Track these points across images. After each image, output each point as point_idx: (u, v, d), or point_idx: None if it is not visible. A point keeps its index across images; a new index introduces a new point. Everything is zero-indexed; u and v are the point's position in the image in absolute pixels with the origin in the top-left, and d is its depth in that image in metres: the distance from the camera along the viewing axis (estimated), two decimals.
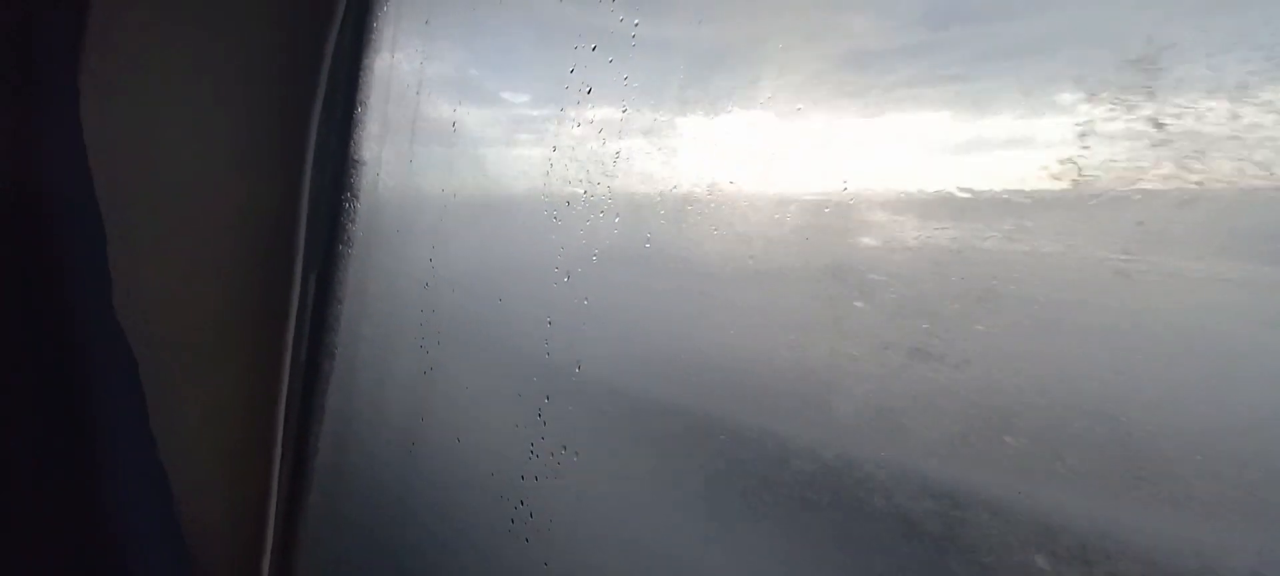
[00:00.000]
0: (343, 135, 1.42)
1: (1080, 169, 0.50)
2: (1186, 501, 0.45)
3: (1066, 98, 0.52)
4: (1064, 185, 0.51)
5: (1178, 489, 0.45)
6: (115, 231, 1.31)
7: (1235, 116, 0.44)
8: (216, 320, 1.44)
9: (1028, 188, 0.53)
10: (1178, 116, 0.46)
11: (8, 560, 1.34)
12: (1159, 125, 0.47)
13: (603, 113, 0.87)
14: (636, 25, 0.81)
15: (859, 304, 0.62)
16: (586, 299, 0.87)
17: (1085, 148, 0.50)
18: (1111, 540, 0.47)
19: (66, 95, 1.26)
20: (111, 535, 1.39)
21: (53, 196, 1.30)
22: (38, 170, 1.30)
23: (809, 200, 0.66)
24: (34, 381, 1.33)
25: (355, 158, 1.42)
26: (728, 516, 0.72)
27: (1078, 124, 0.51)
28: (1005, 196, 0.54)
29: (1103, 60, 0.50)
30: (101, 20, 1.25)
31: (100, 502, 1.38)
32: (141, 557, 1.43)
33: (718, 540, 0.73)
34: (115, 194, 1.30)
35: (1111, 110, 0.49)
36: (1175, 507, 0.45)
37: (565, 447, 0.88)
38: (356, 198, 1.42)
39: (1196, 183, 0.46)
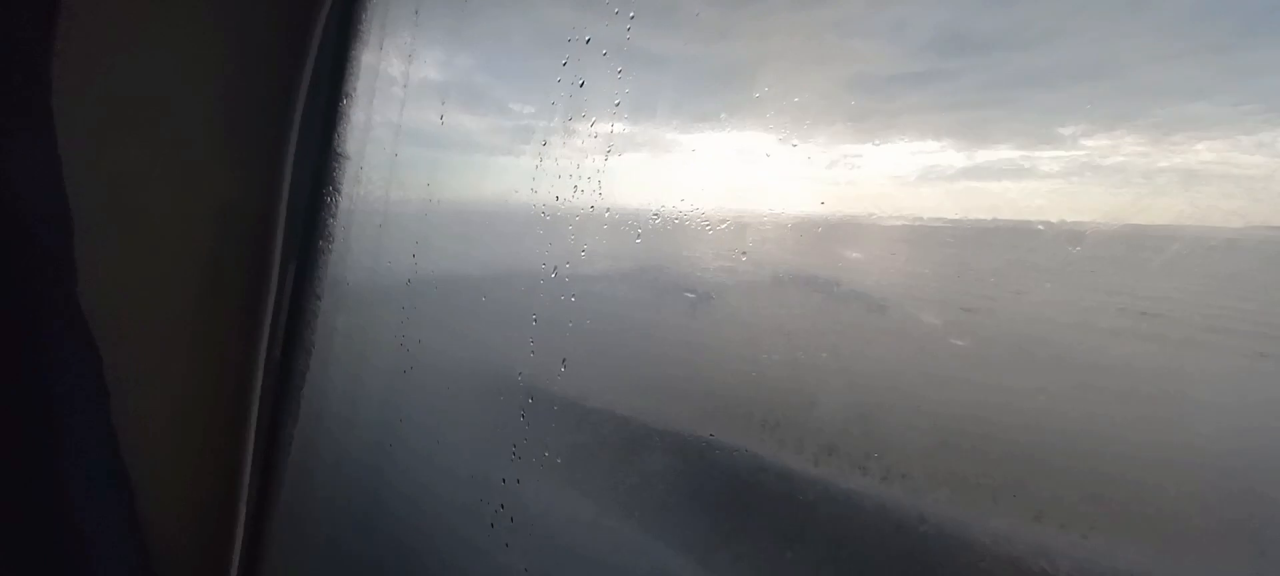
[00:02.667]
0: (326, 129, 1.39)
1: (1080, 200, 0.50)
2: None
3: (1066, 130, 0.52)
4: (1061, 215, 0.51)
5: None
6: (84, 223, 1.26)
7: (1230, 154, 0.45)
8: (190, 315, 1.40)
9: (1023, 218, 0.53)
10: (1174, 152, 0.47)
11: None
12: (1152, 159, 0.47)
13: (594, 111, 0.86)
14: (632, 17, 0.80)
15: (840, 321, 0.62)
16: (573, 296, 0.85)
17: (1083, 180, 0.50)
18: None
19: (36, 85, 1.22)
20: (70, 532, 1.34)
21: (17, 187, 1.25)
22: (3, 162, 1.25)
23: (797, 216, 0.66)
24: None
25: (339, 151, 1.39)
26: (706, 521, 0.71)
27: (1077, 156, 0.51)
28: (1003, 223, 0.54)
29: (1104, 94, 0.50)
30: (74, 8, 1.21)
31: (59, 499, 1.33)
32: (101, 556, 1.38)
33: (696, 545, 0.72)
34: (86, 186, 1.25)
35: (1109, 142, 0.49)
36: None
37: (547, 450, 0.86)
38: (339, 192, 1.39)
39: (1191, 219, 0.46)
